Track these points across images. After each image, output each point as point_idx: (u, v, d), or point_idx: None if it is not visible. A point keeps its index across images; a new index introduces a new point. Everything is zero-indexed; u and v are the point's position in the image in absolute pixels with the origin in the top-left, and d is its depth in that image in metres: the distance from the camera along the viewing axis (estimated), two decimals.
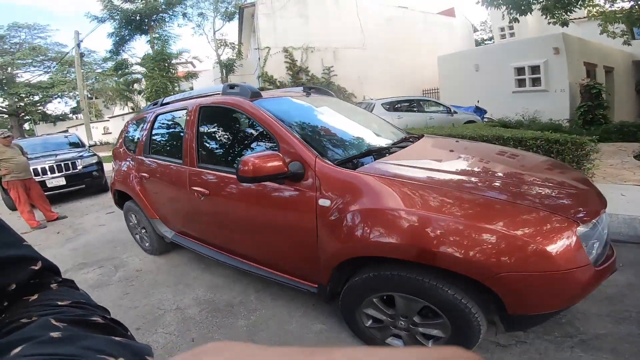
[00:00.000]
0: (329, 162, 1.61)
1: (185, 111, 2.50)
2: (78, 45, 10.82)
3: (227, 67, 12.90)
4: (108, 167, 6.08)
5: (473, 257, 1.13)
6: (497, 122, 9.70)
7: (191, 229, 2.64)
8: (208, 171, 2.21)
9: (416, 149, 2.02)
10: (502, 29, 17.19)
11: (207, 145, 2.36)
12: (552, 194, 1.41)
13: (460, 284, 1.25)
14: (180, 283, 2.74)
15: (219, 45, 13.34)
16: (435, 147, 2.19)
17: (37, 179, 5.38)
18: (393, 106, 8.18)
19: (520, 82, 10.53)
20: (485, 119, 9.80)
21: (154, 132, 2.93)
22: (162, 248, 3.18)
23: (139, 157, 3.01)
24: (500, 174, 1.61)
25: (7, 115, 21.04)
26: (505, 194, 1.32)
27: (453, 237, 1.16)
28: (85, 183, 6.36)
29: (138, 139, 3.11)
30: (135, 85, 13.61)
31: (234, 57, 13.33)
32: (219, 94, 2.33)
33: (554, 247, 1.11)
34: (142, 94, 12.71)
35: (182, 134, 2.48)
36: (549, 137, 4.14)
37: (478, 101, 10.45)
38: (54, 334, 0.26)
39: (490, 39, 21.72)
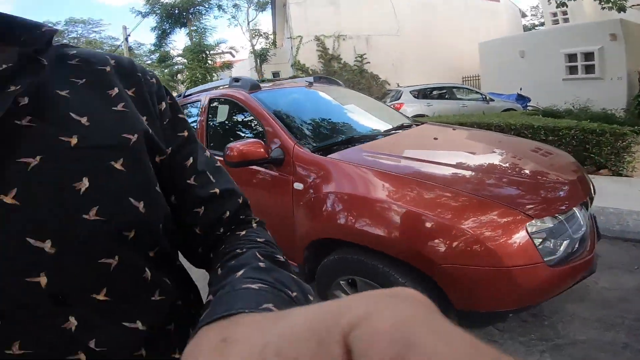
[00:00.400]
0: (306, 149, 1.68)
1: (199, 103, 2.70)
2: (126, 39, 11.70)
3: (261, 57, 13.20)
4: None
5: (415, 246, 1.15)
6: (540, 111, 9.04)
7: None
8: (215, 155, 2.39)
9: (400, 137, 2.02)
10: (555, 14, 15.62)
11: (214, 132, 2.55)
12: (518, 185, 1.37)
13: (412, 274, 1.26)
14: None
15: (253, 35, 13.66)
16: (421, 135, 2.16)
17: None
18: (422, 93, 7.97)
19: (572, 69, 9.73)
20: (529, 107, 9.16)
21: None
22: None
23: None
24: (472, 164, 1.57)
25: None
26: (465, 184, 1.30)
27: (399, 224, 1.18)
28: None
29: None
30: (179, 76, 14.42)
31: (268, 47, 13.58)
32: (225, 85, 2.49)
33: (498, 242, 1.09)
34: (184, 84, 13.47)
35: (196, 125, 2.69)
36: (585, 126, 3.83)
37: (521, 89, 9.78)
38: (260, 264, 0.34)
39: (542, 24, 19.89)
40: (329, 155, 1.61)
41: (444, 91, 8.26)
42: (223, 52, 14.66)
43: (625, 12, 8.38)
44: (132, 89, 0.38)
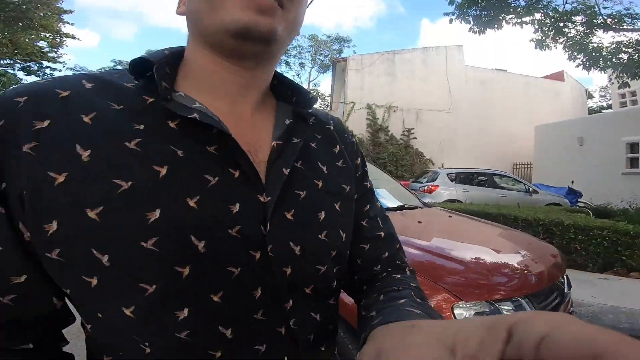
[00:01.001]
0: None
1: None
2: None
3: None
4: None
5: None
6: (590, 208, 8.43)
7: None
8: None
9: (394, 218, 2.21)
10: (623, 96, 14.83)
11: None
12: (470, 271, 1.53)
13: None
14: None
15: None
16: (412, 217, 2.33)
17: None
18: (460, 177, 7.91)
19: (633, 162, 8.99)
20: (580, 204, 8.55)
21: None
22: None
23: None
24: (435, 246, 1.76)
25: None
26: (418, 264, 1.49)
27: None
28: None
29: None
30: None
31: (322, 109, 14.56)
32: None
33: None
34: None
35: None
36: (619, 228, 3.74)
37: (572, 182, 9.20)
38: (418, 300, 0.42)
39: (610, 106, 18.72)
40: None
41: (485, 178, 8.12)
42: None
43: None
44: (343, 146, 0.51)
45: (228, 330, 0.34)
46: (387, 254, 0.51)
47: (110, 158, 0.31)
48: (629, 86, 8.05)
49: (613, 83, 8.58)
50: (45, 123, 0.30)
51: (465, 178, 8.00)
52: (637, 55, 7.19)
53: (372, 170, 3.16)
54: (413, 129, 12.82)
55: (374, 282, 0.49)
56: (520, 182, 8.25)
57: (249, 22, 0.34)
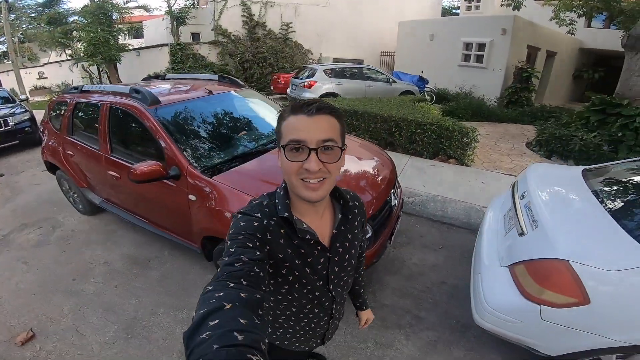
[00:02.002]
0: (197, 170, 2.20)
1: (99, 105, 2.88)
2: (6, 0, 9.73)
3: (179, 19, 12.18)
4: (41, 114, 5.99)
5: None
6: (432, 93, 10.39)
7: (114, 198, 3.17)
8: (119, 160, 2.71)
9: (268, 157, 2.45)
10: (470, 1, 17.32)
11: (117, 138, 2.81)
12: None
13: None
14: (109, 241, 3.31)
15: None
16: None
17: None
18: (334, 73, 8.60)
19: (466, 57, 11.03)
20: (427, 89, 10.47)
21: (74, 116, 3.28)
22: (94, 209, 3.67)
23: (64, 136, 3.37)
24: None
25: None
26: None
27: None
28: (18, 139, 6.42)
29: (61, 119, 3.43)
30: (75, 33, 12.47)
31: (188, 9, 12.51)
32: (126, 94, 2.68)
33: None
34: (81, 43, 11.75)
35: (97, 125, 2.89)
36: (442, 124, 4.82)
37: (422, 72, 11.00)
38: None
39: (458, 8, 21.81)
40: (213, 177, 2.15)
41: (355, 71, 8.95)
42: (133, 8, 12.94)
43: (519, 10, 9.23)
44: (359, 217, 0.95)
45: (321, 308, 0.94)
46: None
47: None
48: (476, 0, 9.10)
49: None
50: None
51: (339, 72, 8.69)
52: None
53: (253, 102, 3.21)
54: (291, 23, 12.95)
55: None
56: (383, 74, 9.44)
57: (306, 197, 0.72)
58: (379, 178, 2.46)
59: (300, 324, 0.93)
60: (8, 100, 7.13)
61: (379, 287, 2.55)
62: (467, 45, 10.96)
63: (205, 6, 14.87)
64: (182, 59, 11.53)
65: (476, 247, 2.21)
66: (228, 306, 0.50)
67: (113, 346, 2.16)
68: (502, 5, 10.33)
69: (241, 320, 0.48)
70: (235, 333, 0.45)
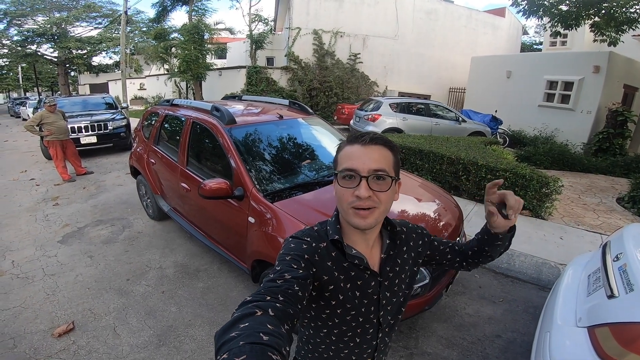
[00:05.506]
0: (260, 193, 2.23)
1: (184, 119, 3.13)
2: (125, 12, 11.57)
3: (258, 43, 13.31)
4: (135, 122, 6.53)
5: None
6: (505, 135, 9.60)
7: (180, 208, 3.38)
8: (192, 174, 2.88)
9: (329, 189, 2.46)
10: (555, 36, 16.07)
11: (193, 152, 3.01)
12: None
13: None
14: (167, 247, 3.51)
15: (253, 19, 13.66)
16: None
17: (73, 136, 6.36)
18: (400, 107, 8.34)
19: (549, 97, 10.09)
20: (500, 130, 9.76)
21: (162, 128, 3.61)
22: (162, 216, 3.96)
23: (151, 145, 3.72)
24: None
25: (56, 65, 22.72)
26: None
27: None
28: (113, 142, 7.37)
29: (151, 129, 3.81)
30: (173, 49, 14.37)
31: (265, 34, 13.66)
32: (207, 111, 2.90)
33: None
34: (177, 59, 13.44)
35: (178, 137, 3.13)
36: (518, 170, 4.39)
37: (496, 111, 10.29)
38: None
39: (541, 43, 20.37)
40: (274, 203, 2.16)
41: (422, 107, 8.61)
42: (220, 30, 14.53)
43: (615, 46, 8.24)
44: (411, 243, 0.93)
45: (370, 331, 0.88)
46: (448, 245, 1.00)
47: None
48: (561, 36, 8.46)
49: (547, 30, 9.01)
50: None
51: (405, 107, 8.43)
52: (575, 8, 7.56)
53: (320, 130, 3.24)
54: (359, 53, 13.19)
55: (460, 251, 0.98)
56: (452, 111, 8.96)
57: (355, 224, 0.73)
58: (441, 223, 2.32)
59: (340, 355, 0.87)
60: (112, 106, 8.28)
61: (423, 334, 2.36)
62: (551, 84, 9.99)
63: (280, 32, 16.10)
64: (257, 81, 12.40)
65: (548, 304, 2.04)
66: (259, 313, 0.54)
67: (142, 351, 2.19)
68: (594, 41, 9.36)
69: (269, 326, 0.51)
70: (261, 334, 0.49)
